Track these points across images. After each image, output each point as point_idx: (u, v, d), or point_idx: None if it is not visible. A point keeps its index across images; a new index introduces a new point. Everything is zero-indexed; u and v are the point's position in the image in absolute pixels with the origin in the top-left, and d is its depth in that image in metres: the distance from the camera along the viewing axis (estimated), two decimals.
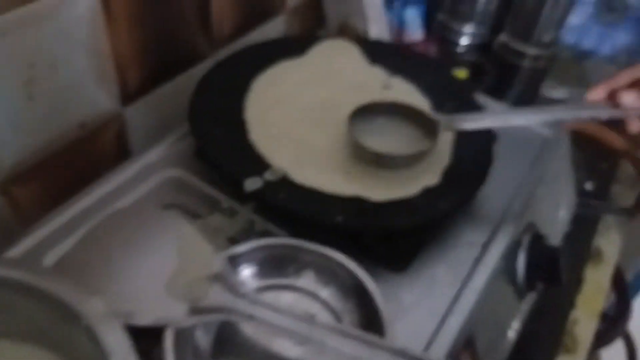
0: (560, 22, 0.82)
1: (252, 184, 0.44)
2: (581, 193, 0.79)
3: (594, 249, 0.72)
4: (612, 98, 0.45)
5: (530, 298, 0.57)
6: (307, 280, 0.41)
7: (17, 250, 0.43)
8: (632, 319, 1.09)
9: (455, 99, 0.56)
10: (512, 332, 0.53)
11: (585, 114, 0.48)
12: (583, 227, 0.74)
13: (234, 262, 0.40)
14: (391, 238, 0.47)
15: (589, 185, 0.81)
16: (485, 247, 0.48)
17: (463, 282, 0.45)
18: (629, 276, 1.10)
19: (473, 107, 0.56)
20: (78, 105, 0.53)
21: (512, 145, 0.59)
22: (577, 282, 0.67)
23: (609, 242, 0.73)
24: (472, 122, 0.49)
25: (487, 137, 0.53)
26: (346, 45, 0.62)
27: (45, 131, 0.51)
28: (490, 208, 0.52)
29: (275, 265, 0.41)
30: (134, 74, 0.57)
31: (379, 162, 0.47)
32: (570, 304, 0.65)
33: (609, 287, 0.70)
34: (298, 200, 0.44)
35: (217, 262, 0.39)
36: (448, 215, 0.48)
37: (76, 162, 0.55)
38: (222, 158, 0.46)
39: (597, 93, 0.46)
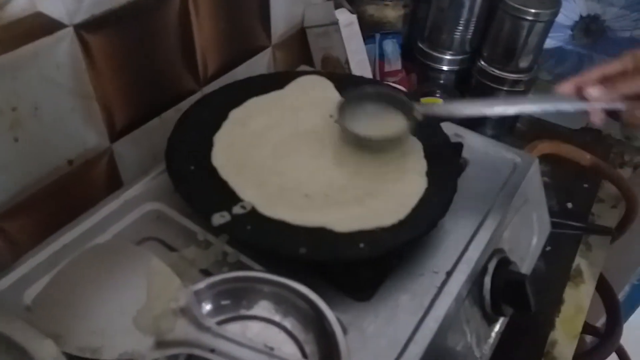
0: (537, 48, 0.85)
1: (219, 218, 0.46)
2: (562, 213, 0.81)
3: (574, 269, 0.73)
4: (579, 92, 0.49)
5: (504, 322, 0.58)
6: (271, 311, 0.43)
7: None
8: (628, 334, 1.09)
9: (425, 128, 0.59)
10: (484, 357, 0.54)
11: (553, 105, 0.52)
12: (564, 247, 0.76)
13: (200, 295, 0.42)
14: (355, 268, 0.48)
15: (570, 205, 0.82)
16: (450, 274, 0.50)
17: (426, 310, 0.47)
18: (622, 293, 1.10)
19: (441, 136, 0.59)
20: (65, 143, 0.56)
21: (481, 171, 0.61)
22: (556, 303, 0.68)
23: (590, 262, 0.74)
24: (446, 109, 0.55)
25: (452, 169, 0.54)
26: (321, 80, 0.64)
27: (33, 169, 0.54)
28: (457, 235, 0.53)
29: (240, 296, 0.43)
30: (120, 113, 0.61)
31: (361, 144, 0.54)
32: (549, 325, 0.66)
33: (588, 308, 0.71)
34: (264, 233, 0.46)
35: (183, 295, 0.41)
36: (410, 245, 0.50)
37: (67, 195, 0.58)
38: (194, 194, 0.49)
39: (566, 86, 0.50)
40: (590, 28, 0.87)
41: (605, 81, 0.48)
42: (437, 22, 0.87)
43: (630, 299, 1.12)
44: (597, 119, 0.49)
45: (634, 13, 0.83)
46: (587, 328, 0.89)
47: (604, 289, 0.89)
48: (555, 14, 0.81)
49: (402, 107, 0.56)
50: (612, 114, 0.49)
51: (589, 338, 0.94)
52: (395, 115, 0.56)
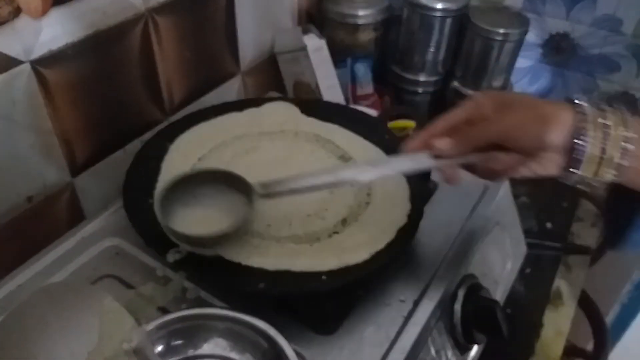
0: (509, 67, 0.85)
1: (174, 254, 0.45)
2: (542, 233, 0.80)
3: (554, 291, 0.72)
4: (428, 147, 0.43)
5: (479, 349, 0.56)
6: (226, 348, 0.41)
7: None
8: (620, 353, 1.07)
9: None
10: None
11: (401, 166, 0.45)
12: (543, 268, 0.74)
13: (153, 335, 0.40)
14: (319, 300, 0.47)
15: (549, 225, 0.81)
16: (417, 303, 0.48)
17: (392, 341, 0.45)
18: (612, 313, 1.08)
19: None
20: (24, 180, 0.55)
21: (450, 195, 0.60)
22: (535, 326, 0.67)
23: (570, 283, 0.73)
24: (284, 185, 0.45)
25: (419, 194, 0.54)
26: (286, 105, 0.64)
27: None
28: (425, 261, 0.52)
29: (194, 335, 0.41)
30: (81, 146, 0.60)
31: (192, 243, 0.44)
32: (528, 349, 0.64)
33: (574, 330, 0.69)
34: (221, 268, 0.45)
35: (136, 335, 0.40)
36: (375, 275, 0.49)
37: (27, 233, 0.56)
38: (149, 229, 0.47)
39: (414, 142, 0.44)
40: (560, 46, 0.88)
41: (453, 133, 0.43)
42: (408, 44, 0.88)
43: (621, 319, 1.10)
44: (452, 177, 0.44)
45: (601, 30, 0.83)
46: (576, 351, 0.87)
47: (590, 310, 0.87)
48: (524, 33, 0.82)
49: (239, 186, 0.47)
50: (468, 168, 0.44)
51: None
52: (232, 195, 0.47)
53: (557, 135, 0.39)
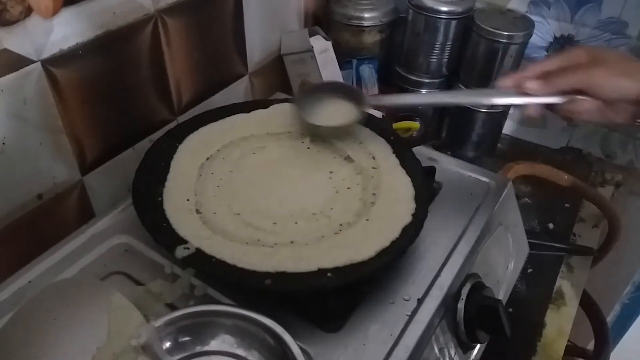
0: (513, 70, 0.85)
1: (182, 251, 0.46)
2: (544, 234, 0.80)
3: (556, 291, 0.72)
4: (519, 87, 0.50)
5: (481, 348, 0.57)
6: (234, 345, 0.42)
7: None
8: (621, 353, 1.07)
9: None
10: None
11: (495, 99, 0.54)
12: (545, 268, 0.75)
13: (162, 331, 0.41)
14: (324, 298, 0.48)
15: (551, 226, 0.81)
16: (421, 301, 0.49)
17: (395, 339, 0.46)
18: (614, 312, 1.08)
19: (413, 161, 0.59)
20: (34, 178, 0.56)
21: (454, 194, 0.61)
22: (537, 326, 0.67)
23: (572, 284, 0.73)
24: (391, 100, 0.60)
25: (424, 194, 0.54)
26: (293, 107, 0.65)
27: (0, 205, 0.54)
28: (430, 260, 0.53)
29: (202, 331, 0.42)
30: (91, 145, 0.60)
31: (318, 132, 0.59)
32: (530, 349, 0.65)
33: (575, 330, 0.70)
34: (229, 265, 0.46)
35: (144, 332, 0.40)
36: (380, 272, 0.49)
37: (37, 230, 0.57)
38: (158, 226, 0.48)
39: (507, 80, 0.51)
40: (564, 49, 0.88)
41: (544, 77, 0.49)
42: (413, 46, 0.88)
43: (621, 319, 1.10)
44: (533, 111, 0.51)
45: (605, 33, 0.83)
46: (577, 350, 0.88)
47: (591, 310, 0.88)
48: (529, 36, 0.82)
49: (354, 97, 0.59)
50: (549, 107, 0.50)
51: None
52: (348, 105, 0.59)
53: (636, 86, 0.45)
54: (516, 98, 0.51)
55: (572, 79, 0.48)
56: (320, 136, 0.60)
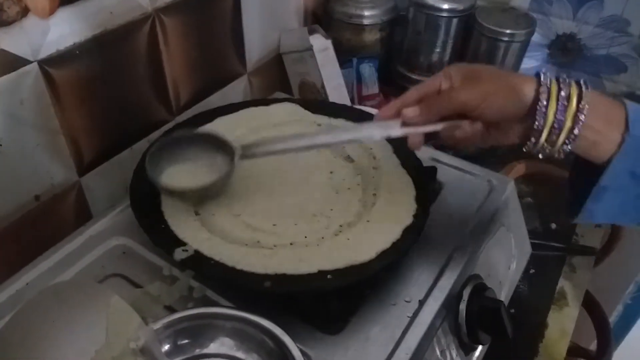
0: (515, 67, 0.85)
1: (181, 253, 0.45)
2: (546, 234, 0.80)
3: (558, 291, 0.71)
4: (398, 115, 0.46)
5: (483, 350, 0.56)
6: (233, 347, 0.41)
7: None
8: (623, 353, 1.07)
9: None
10: None
11: (378, 132, 0.48)
12: (547, 269, 0.74)
13: (160, 334, 0.40)
14: (325, 300, 0.47)
15: (554, 226, 0.81)
16: (422, 303, 0.48)
17: (397, 342, 0.45)
18: (616, 313, 1.08)
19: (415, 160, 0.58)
20: (32, 179, 0.55)
21: (455, 195, 0.60)
22: (540, 327, 0.67)
23: (574, 284, 0.73)
24: (263, 147, 0.49)
25: (425, 194, 0.54)
26: (293, 106, 0.64)
27: None
28: (431, 261, 0.52)
29: (201, 334, 0.42)
30: (89, 146, 0.60)
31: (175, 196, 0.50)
32: (532, 350, 0.64)
33: (578, 330, 0.69)
34: (227, 267, 0.45)
35: (143, 334, 0.40)
36: (381, 274, 0.49)
37: (34, 231, 0.57)
38: (156, 227, 0.48)
39: (388, 110, 0.47)
40: (566, 47, 0.87)
41: (423, 103, 0.45)
42: (414, 45, 0.88)
43: (624, 319, 1.10)
44: (415, 143, 0.47)
45: (608, 31, 0.83)
46: (579, 351, 0.87)
47: (594, 310, 0.87)
48: (531, 34, 0.82)
49: (222, 147, 0.51)
50: (431, 137, 0.46)
51: None
52: (215, 154, 0.51)
53: (519, 106, 0.41)
54: (396, 129, 0.46)
55: (450, 102, 0.43)
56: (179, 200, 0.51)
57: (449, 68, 0.46)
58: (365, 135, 0.49)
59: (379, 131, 0.47)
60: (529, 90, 0.41)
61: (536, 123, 0.40)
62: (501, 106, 0.42)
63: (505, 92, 0.42)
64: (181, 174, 0.50)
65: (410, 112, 0.44)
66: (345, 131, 0.49)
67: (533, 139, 0.41)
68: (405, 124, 0.45)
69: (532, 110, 0.40)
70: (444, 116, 0.44)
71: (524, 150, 0.43)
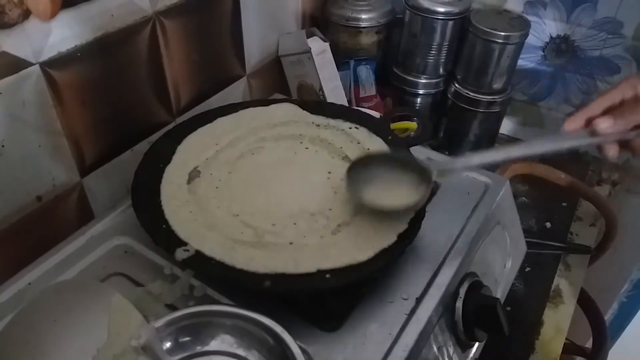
0: (510, 69, 0.86)
1: (182, 252, 0.46)
2: (541, 233, 0.81)
3: (553, 289, 0.72)
4: (588, 126, 0.48)
5: (479, 347, 0.57)
6: (234, 345, 0.42)
7: None
8: (618, 351, 1.08)
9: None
10: None
11: (567, 143, 0.49)
12: (543, 267, 0.75)
13: (162, 332, 0.41)
14: (323, 298, 0.48)
15: (549, 225, 0.82)
16: (419, 300, 0.49)
17: (394, 339, 0.46)
18: (611, 311, 1.09)
19: None
20: (33, 180, 0.56)
21: (451, 194, 0.61)
22: (535, 325, 0.68)
23: (570, 282, 0.74)
24: (461, 163, 0.51)
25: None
26: (291, 107, 0.65)
27: (0, 207, 0.54)
28: (428, 259, 0.53)
29: (202, 331, 0.42)
30: (90, 147, 0.61)
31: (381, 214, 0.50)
32: (528, 348, 0.65)
33: (572, 328, 0.70)
34: (228, 266, 0.46)
35: (144, 332, 0.41)
36: (375, 275, 0.50)
37: (36, 232, 0.57)
38: (157, 229, 0.48)
39: (575, 122, 0.48)
40: (560, 48, 0.89)
41: (609, 112, 0.47)
42: (410, 47, 0.89)
43: (619, 316, 1.11)
44: (613, 152, 0.48)
45: (601, 33, 0.84)
46: (575, 349, 0.88)
47: (589, 308, 0.88)
48: (525, 36, 0.83)
49: (415, 170, 0.52)
50: (622, 146, 0.48)
51: (579, 359, 0.93)
52: (406, 177, 0.52)
53: None
54: (590, 139, 0.48)
55: None
56: (369, 213, 0.51)
57: (631, 79, 0.48)
58: (559, 146, 0.49)
59: (571, 142, 0.49)
60: None
61: None
62: None
63: None
64: (379, 192, 0.51)
65: (605, 122, 0.46)
66: (540, 144, 0.50)
67: None
68: (593, 133, 0.47)
69: None
70: (636, 125, 0.46)
71: None
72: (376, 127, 0.62)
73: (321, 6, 0.91)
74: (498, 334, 0.52)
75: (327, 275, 0.46)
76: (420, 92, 0.91)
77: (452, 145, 0.94)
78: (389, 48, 0.93)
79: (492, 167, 0.83)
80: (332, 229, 0.51)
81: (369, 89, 0.86)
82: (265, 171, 0.57)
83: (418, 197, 0.49)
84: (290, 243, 0.49)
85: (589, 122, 0.47)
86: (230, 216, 0.51)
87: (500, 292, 0.62)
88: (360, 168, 0.52)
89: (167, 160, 0.56)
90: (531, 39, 0.87)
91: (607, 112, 0.47)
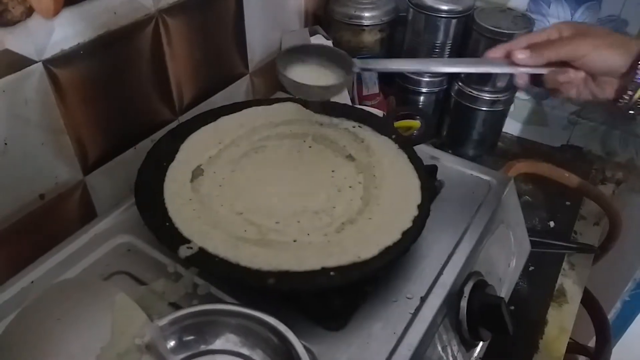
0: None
1: (186, 250, 0.46)
2: (545, 232, 0.80)
3: (557, 289, 0.72)
4: (508, 57, 0.52)
5: (484, 346, 0.57)
6: (238, 344, 0.42)
7: None
8: (621, 350, 1.08)
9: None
10: None
11: (484, 67, 0.56)
12: (547, 266, 0.75)
13: (166, 330, 0.41)
14: (328, 297, 0.48)
15: (552, 224, 0.82)
16: (424, 300, 0.49)
17: (399, 338, 0.46)
18: (614, 310, 1.08)
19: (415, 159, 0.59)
20: (36, 178, 0.56)
21: (456, 193, 0.61)
22: (539, 324, 0.67)
23: (573, 282, 0.73)
24: (378, 65, 0.60)
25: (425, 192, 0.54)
26: (295, 106, 0.65)
27: (3, 205, 0.54)
28: (432, 258, 0.53)
29: (206, 330, 0.42)
30: (93, 145, 0.60)
31: (299, 91, 0.54)
32: (532, 347, 0.65)
33: (576, 327, 0.70)
34: (232, 264, 0.46)
35: (148, 331, 0.40)
36: (383, 271, 0.49)
37: (39, 230, 0.57)
38: (161, 225, 0.48)
39: (497, 51, 0.53)
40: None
41: (532, 48, 0.51)
42: (413, 45, 0.88)
43: (622, 316, 1.10)
44: (522, 81, 0.53)
45: None
46: (578, 348, 0.88)
47: (592, 307, 0.88)
48: None
49: (342, 61, 0.55)
50: (534, 81, 0.52)
51: (582, 359, 0.93)
52: (335, 68, 0.56)
53: (622, 59, 0.47)
54: (506, 67, 0.52)
55: (561, 51, 0.49)
56: (302, 97, 0.59)
57: (559, 23, 0.52)
58: (479, 68, 0.57)
59: (490, 66, 0.55)
60: (634, 47, 0.46)
61: (635, 77, 0.46)
62: (607, 58, 0.47)
63: (612, 46, 0.47)
64: (304, 74, 0.54)
65: (522, 54, 0.50)
66: (458, 63, 0.58)
67: (630, 92, 0.47)
68: (513, 64, 0.51)
69: (634, 66, 0.46)
70: (551, 62, 0.50)
71: (618, 105, 0.49)
72: (379, 126, 0.62)
73: (324, 4, 0.91)
74: (502, 333, 0.52)
75: (332, 273, 0.46)
76: (424, 90, 0.91)
77: (455, 143, 0.94)
78: (392, 46, 0.93)
79: (495, 167, 0.83)
80: (336, 227, 0.51)
81: (372, 87, 0.86)
82: (268, 169, 0.57)
83: (342, 80, 0.54)
84: (294, 241, 0.49)
85: (509, 54, 0.52)
86: (234, 214, 0.51)
87: (504, 291, 0.61)
88: (289, 57, 0.55)
89: (171, 159, 0.56)
90: None
91: (529, 48, 0.51)
